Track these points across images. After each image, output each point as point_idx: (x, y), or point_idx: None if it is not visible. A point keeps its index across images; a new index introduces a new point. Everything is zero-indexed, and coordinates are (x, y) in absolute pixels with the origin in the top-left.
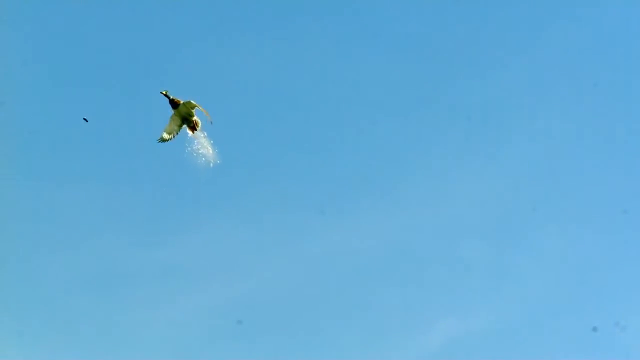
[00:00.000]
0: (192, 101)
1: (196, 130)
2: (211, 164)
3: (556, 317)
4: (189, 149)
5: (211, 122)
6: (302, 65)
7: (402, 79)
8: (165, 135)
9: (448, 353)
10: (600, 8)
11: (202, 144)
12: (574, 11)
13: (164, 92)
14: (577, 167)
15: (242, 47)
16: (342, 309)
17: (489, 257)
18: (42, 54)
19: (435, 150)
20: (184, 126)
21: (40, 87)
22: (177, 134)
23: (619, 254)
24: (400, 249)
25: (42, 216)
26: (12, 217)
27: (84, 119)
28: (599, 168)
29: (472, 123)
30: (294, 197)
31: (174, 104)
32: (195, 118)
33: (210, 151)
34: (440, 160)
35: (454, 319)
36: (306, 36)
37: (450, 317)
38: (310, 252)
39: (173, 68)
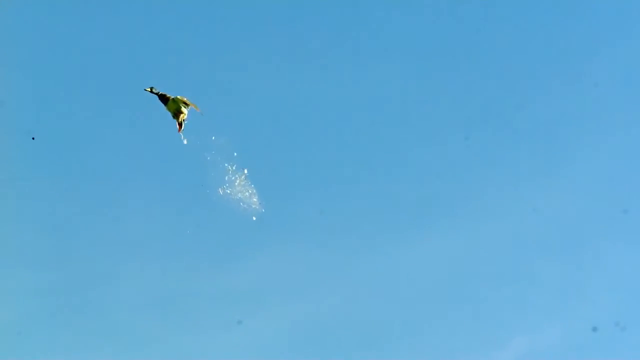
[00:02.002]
0: (179, 97)
1: (182, 128)
2: (254, 217)
3: (628, 334)
4: (224, 190)
5: (202, 114)
6: (371, 89)
7: (471, 99)
8: (181, 128)
9: None
10: None
11: (240, 189)
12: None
13: (148, 89)
14: None
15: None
16: (413, 328)
17: (561, 274)
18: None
19: (506, 168)
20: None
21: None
22: (184, 119)
23: None
24: (472, 267)
25: (109, 240)
26: (81, 242)
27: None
28: None
29: (543, 140)
30: (360, 219)
31: (164, 99)
32: (183, 117)
33: (253, 198)
34: (512, 178)
35: (526, 336)
36: (364, 61)
37: (523, 335)
38: (380, 273)
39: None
